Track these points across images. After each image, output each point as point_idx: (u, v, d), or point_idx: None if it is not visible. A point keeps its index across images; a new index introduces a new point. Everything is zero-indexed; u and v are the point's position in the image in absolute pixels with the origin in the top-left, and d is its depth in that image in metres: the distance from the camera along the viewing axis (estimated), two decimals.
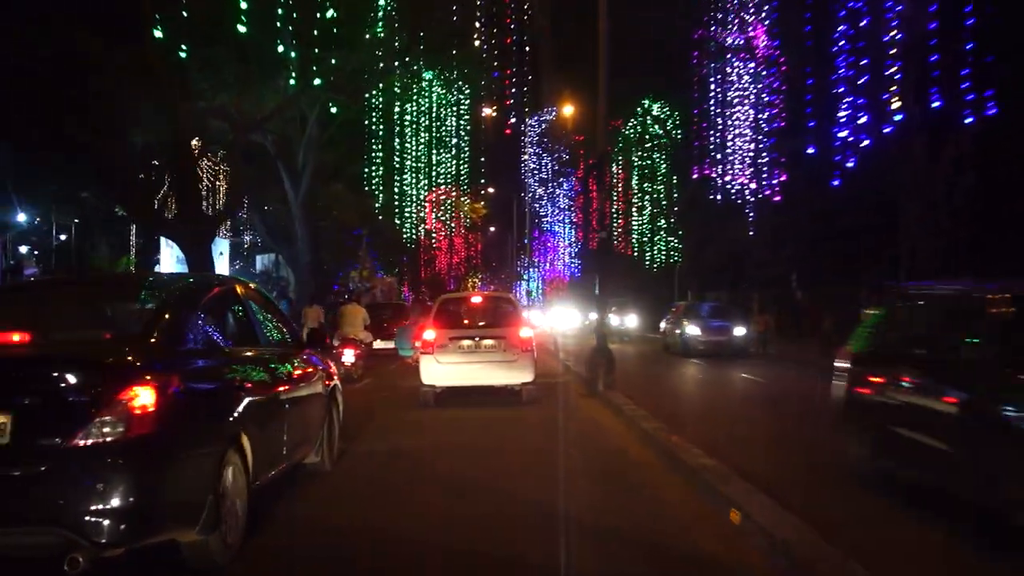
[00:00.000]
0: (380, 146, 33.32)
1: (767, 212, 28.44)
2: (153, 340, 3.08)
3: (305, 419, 4.40)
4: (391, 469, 5.37)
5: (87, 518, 2.66)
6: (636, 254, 48.46)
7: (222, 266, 22.06)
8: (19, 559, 3.00)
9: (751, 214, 29.96)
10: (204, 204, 21.11)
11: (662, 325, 18.94)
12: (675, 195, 35.54)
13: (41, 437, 2.72)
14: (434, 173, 44.38)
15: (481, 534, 3.68)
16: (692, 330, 16.32)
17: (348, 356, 10.62)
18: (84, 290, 3.95)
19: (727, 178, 31.34)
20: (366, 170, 31.59)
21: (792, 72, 25.06)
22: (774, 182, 27.65)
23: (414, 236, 40.65)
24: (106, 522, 2.67)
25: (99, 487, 2.68)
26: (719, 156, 32.08)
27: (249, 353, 3.83)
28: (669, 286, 35.23)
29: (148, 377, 2.83)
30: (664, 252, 43.85)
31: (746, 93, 30.39)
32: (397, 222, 37.16)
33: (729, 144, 31.29)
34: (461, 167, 47.57)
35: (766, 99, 28.06)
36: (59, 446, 2.69)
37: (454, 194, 44.95)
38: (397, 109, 33.70)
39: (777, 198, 27.11)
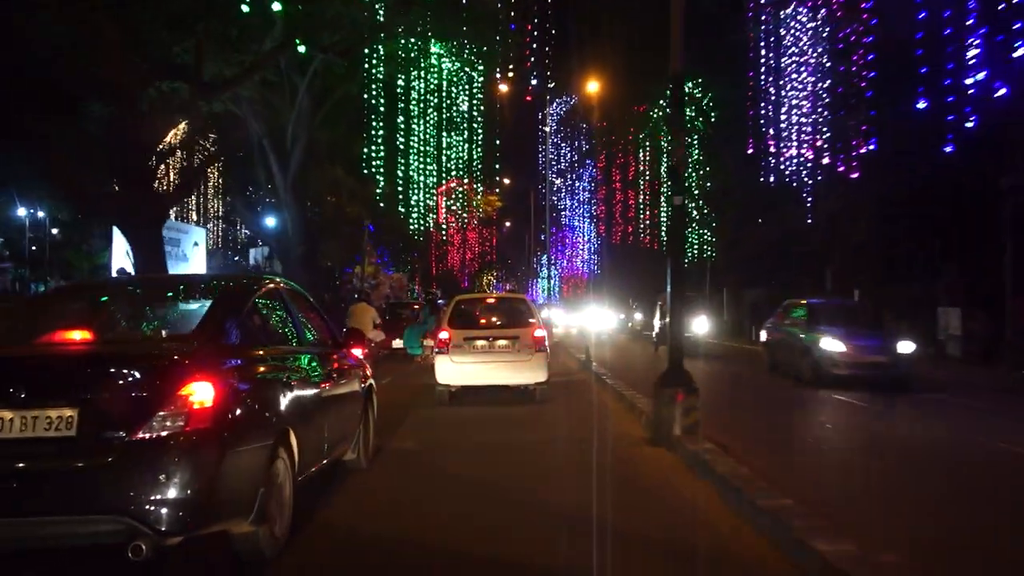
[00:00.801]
0: (382, 126, 31.33)
1: (839, 190, 24.46)
2: (208, 339, 3.46)
3: (344, 417, 4.87)
4: (423, 467, 5.87)
5: (150, 507, 3.01)
6: (664, 248, 48.49)
7: (198, 260, 20.45)
8: (75, 549, 3.34)
9: (809, 198, 26.80)
10: (158, 184, 17.95)
11: (761, 334, 14.15)
12: (708, 184, 33.49)
13: (106, 430, 3.05)
14: (444, 158, 42.43)
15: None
16: (832, 345, 11.09)
17: (355, 354, 11.37)
18: (140, 290, 4.30)
19: (790, 152, 27.84)
20: (366, 151, 29.87)
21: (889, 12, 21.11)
22: (855, 153, 23.51)
23: (422, 228, 39.60)
24: (168, 511, 3.02)
25: (161, 478, 3.02)
26: (776, 128, 28.89)
27: (295, 351, 4.25)
28: (697, 283, 34.72)
29: (206, 374, 3.19)
30: (696, 246, 42.90)
31: (813, 48, 26.66)
32: (402, 210, 35.49)
33: (794, 110, 27.53)
34: (475, 152, 45.86)
35: (842, 54, 24.18)
36: (123, 439, 3.04)
37: (466, 181, 44.53)
38: (401, 83, 31.50)
39: (855, 174, 23.23)
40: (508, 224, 54.62)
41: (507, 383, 9.35)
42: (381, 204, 32.38)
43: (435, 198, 42.64)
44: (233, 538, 3.38)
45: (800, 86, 27.45)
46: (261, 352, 3.83)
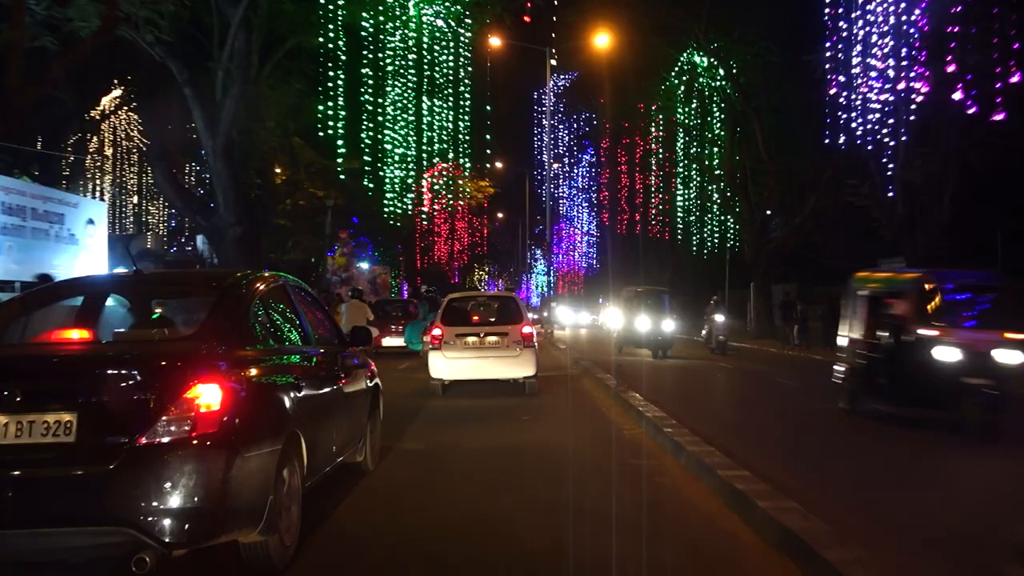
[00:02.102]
0: (344, 83, 28.18)
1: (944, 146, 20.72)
2: (214, 338, 3.67)
3: (352, 418, 5.18)
4: (430, 468, 6.34)
5: (154, 518, 3.12)
6: (680, 238, 46.62)
7: (95, 243, 14.46)
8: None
9: (890, 164, 23.33)
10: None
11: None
12: (736, 158, 30.17)
13: (107, 436, 3.18)
14: (425, 128, 39.27)
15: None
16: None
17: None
18: (141, 287, 4.42)
19: (881, 98, 23.46)
20: (322, 110, 27.09)
21: None
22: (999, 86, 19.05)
23: (400, 211, 37.87)
24: (173, 522, 3.13)
25: (166, 486, 3.14)
26: (864, 64, 24.53)
27: (302, 352, 4.51)
28: (716, 277, 33.63)
29: (212, 376, 3.36)
30: (718, 234, 42.09)
31: None
32: (369, 185, 33.17)
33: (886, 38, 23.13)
34: (461, 121, 43.39)
35: None
36: (125, 445, 3.16)
37: (451, 157, 43.55)
38: (370, 30, 28.55)
39: (1000, 114, 19.00)
40: (500, 216, 54.49)
41: (497, 377, 10.88)
42: (342, 176, 29.46)
43: (418, 180, 41.47)
44: (242, 548, 3.56)
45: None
46: (269, 352, 4.07)
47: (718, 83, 32.32)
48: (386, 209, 36.04)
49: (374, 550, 4.26)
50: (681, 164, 43.77)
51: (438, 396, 10.60)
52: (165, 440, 3.18)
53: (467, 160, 45.40)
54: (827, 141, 26.94)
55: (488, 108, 46.97)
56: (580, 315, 44.53)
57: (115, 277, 6.39)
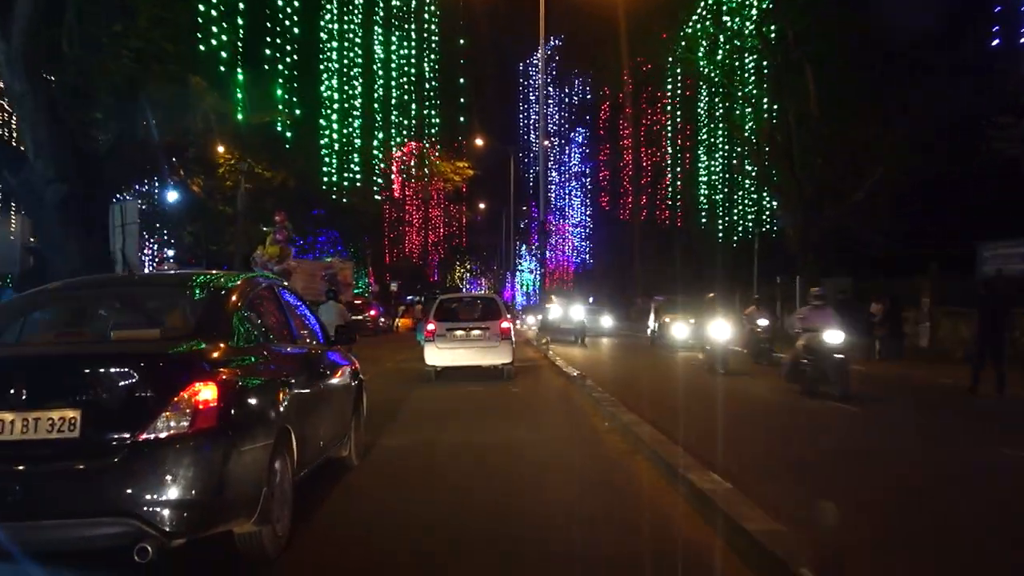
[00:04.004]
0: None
1: None
2: (210, 338, 4.59)
3: (338, 415, 6.28)
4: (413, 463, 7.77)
5: (156, 509, 3.89)
6: (705, 223, 45.15)
7: None
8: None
9: None
10: None
11: None
12: (775, 118, 28.06)
13: (109, 432, 3.97)
14: (381, 72, 36.69)
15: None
16: None
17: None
18: (138, 288, 5.14)
19: None
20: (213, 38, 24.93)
21: None
22: None
23: (351, 185, 36.31)
24: (174, 512, 3.91)
25: (167, 479, 3.93)
26: None
27: (291, 350, 5.55)
28: (742, 269, 31.53)
29: (210, 373, 4.25)
30: (751, 216, 40.54)
31: None
32: (288, 137, 31.14)
33: None
34: (427, 62, 40.51)
35: None
36: (127, 440, 3.95)
37: (415, 114, 42.71)
38: None
39: None
40: (482, 207, 54.37)
41: (480, 364, 15.49)
42: (242, 121, 26.00)
43: (385, 152, 39.48)
44: (237, 538, 4.42)
45: None
46: (261, 351, 5.03)
47: (752, 24, 30.02)
48: (326, 177, 33.83)
49: (362, 540, 5.21)
50: (704, 130, 42.31)
51: (432, 381, 15.33)
52: (165, 435, 3.97)
53: (436, 117, 44.09)
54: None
55: (463, 62, 45.14)
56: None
57: (111, 279, 7.15)
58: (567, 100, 64.46)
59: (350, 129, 36.15)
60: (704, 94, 39.73)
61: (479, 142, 46.02)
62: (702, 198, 45.24)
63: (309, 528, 5.19)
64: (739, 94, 33.41)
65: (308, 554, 4.85)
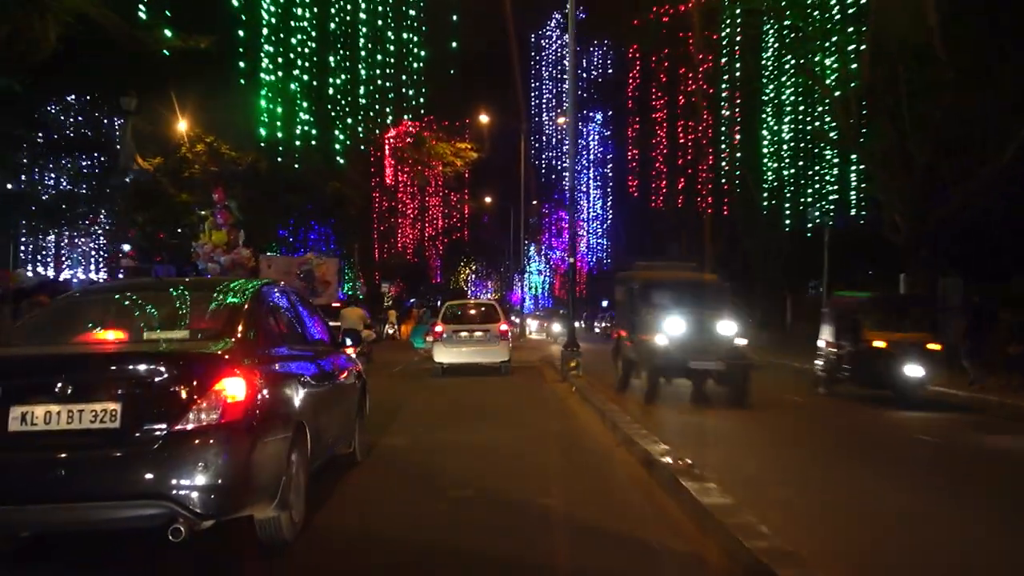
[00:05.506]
0: None
1: None
2: (236, 338, 5.85)
3: (344, 413, 7.64)
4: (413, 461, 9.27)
5: (189, 492, 4.94)
6: (766, 208, 43.22)
7: None
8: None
9: None
10: None
11: None
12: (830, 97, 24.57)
13: (147, 423, 5.16)
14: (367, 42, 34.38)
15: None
16: None
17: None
18: (166, 292, 6.19)
19: None
20: None
21: None
22: None
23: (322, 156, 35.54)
24: (205, 496, 4.98)
25: (199, 466, 5.02)
26: None
27: (305, 350, 6.88)
28: (818, 265, 29.01)
29: (237, 370, 5.47)
30: (827, 201, 38.52)
31: None
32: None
33: None
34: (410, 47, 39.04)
35: None
36: (163, 430, 5.13)
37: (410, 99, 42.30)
38: None
39: None
40: (488, 200, 54.10)
41: (481, 361, 20.67)
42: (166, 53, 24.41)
43: (372, 134, 38.27)
44: (257, 523, 5.41)
45: None
46: (281, 351, 6.16)
47: None
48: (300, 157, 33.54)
49: (367, 527, 6.44)
50: (769, 90, 38.97)
51: (439, 375, 20.75)
52: (197, 426, 5.05)
53: (422, 95, 42.71)
54: None
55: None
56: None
57: (144, 283, 8.24)
58: (585, 76, 64.54)
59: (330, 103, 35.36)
60: (771, 38, 37.08)
61: (484, 119, 44.73)
62: (768, 176, 40.97)
63: (320, 515, 6.33)
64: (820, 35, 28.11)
65: (319, 539, 6.01)
